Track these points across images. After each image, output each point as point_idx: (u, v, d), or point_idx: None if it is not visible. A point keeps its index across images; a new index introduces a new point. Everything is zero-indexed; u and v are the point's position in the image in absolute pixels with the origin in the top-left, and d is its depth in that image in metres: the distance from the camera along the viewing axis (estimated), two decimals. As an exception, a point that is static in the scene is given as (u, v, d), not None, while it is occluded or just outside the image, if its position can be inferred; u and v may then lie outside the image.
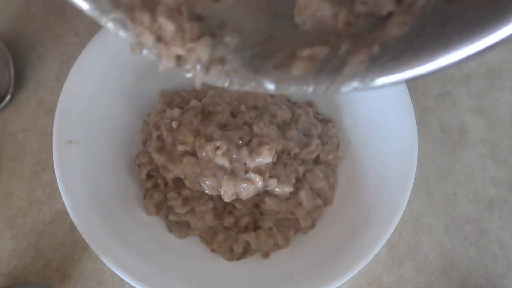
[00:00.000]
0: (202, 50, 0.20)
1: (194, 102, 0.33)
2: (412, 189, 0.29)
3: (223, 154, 0.28)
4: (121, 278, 0.26)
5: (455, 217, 0.36)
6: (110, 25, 0.20)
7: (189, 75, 0.21)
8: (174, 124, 0.31)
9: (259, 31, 0.22)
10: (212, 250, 0.32)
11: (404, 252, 0.35)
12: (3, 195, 0.35)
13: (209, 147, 0.29)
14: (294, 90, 0.20)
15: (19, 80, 0.38)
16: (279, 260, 0.31)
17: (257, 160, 0.29)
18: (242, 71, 0.21)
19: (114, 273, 0.26)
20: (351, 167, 0.34)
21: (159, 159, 0.31)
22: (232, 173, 0.29)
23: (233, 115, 0.33)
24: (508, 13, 0.14)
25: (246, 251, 0.32)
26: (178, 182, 0.32)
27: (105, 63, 0.32)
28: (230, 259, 0.31)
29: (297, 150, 0.32)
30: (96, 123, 0.32)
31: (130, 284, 0.26)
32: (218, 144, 0.28)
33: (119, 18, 0.20)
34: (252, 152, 0.29)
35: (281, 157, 0.31)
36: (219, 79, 0.21)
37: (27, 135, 0.37)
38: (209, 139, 0.30)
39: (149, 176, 0.33)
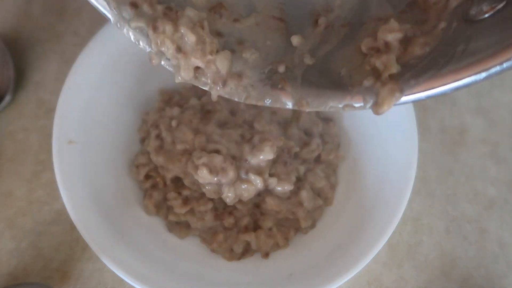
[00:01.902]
0: (221, 63, 0.20)
1: (193, 101, 0.33)
2: (412, 189, 0.29)
3: (209, 170, 0.28)
4: (121, 278, 0.26)
5: (455, 217, 0.36)
6: (131, 33, 0.20)
7: (205, 88, 0.21)
8: (173, 123, 0.31)
9: (278, 50, 0.23)
10: (212, 250, 0.32)
11: (404, 252, 0.35)
12: (3, 195, 0.35)
13: (199, 171, 0.28)
14: (315, 108, 0.20)
15: (19, 80, 0.38)
16: (279, 260, 0.31)
17: (259, 157, 0.29)
18: (260, 86, 0.21)
19: (114, 273, 0.26)
20: (351, 167, 0.34)
21: (157, 159, 0.31)
22: (229, 182, 0.29)
23: (233, 113, 0.33)
24: None
25: (246, 251, 0.32)
26: (178, 182, 0.32)
27: (105, 63, 0.32)
28: (230, 259, 0.31)
29: (297, 149, 0.32)
30: (96, 123, 0.32)
31: (130, 284, 0.26)
32: (202, 162, 0.28)
33: (141, 27, 0.20)
34: (254, 148, 0.29)
35: (281, 156, 0.31)
36: (236, 93, 0.21)
37: (27, 135, 0.37)
38: (209, 138, 0.30)
39: (147, 176, 0.33)
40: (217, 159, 0.28)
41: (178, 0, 0.22)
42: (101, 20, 0.41)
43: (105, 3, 0.20)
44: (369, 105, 0.19)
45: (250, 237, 0.31)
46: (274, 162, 0.30)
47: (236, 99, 0.21)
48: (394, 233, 0.28)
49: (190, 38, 0.20)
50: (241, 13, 0.24)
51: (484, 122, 0.40)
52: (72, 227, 0.34)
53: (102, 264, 0.33)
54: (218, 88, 0.21)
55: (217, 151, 0.29)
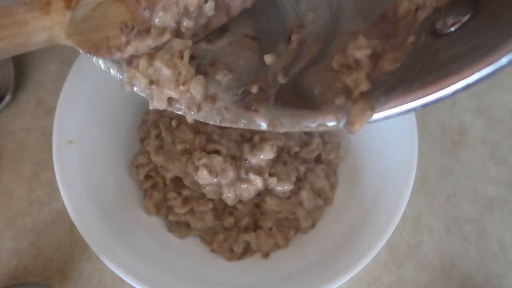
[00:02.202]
0: (196, 90, 0.20)
1: None
2: (412, 189, 0.29)
3: (209, 171, 0.28)
4: (121, 278, 0.26)
5: (455, 217, 0.36)
6: (101, 62, 0.21)
7: (180, 113, 0.21)
8: (174, 123, 0.31)
9: (251, 69, 0.23)
10: (212, 250, 0.32)
11: (404, 252, 0.35)
12: (3, 195, 0.35)
13: (199, 172, 0.28)
14: (288, 128, 0.20)
15: (19, 80, 0.38)
16: (279, 260, 0.31)
17: (259, 156, 0.29)
18: (234, 108, 0.21)
19: (114, 273, 0.26)
20: (351, 167, 0.34)
21: (157, 158, 0.31)
22: (229, 182, 0.29)
23: None
24: (496, 48, 0.14)
25: (246, 251, 0.32)
26: (178, 182, 0.32)
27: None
28: (230, 259, 0.31)
29: (297, 149, 0.32)
30: (96, 123, 0.32)
31: (130, 284, 0.26)
32: (202, 163, 0.28)
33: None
34: (254, 148, 0.29)
35: (281, 156, 0.31)
36: (211, 116, 0.21)
37: (27, 135, 0.37)
38: (209, 137, 0.30)
39: (147, 176, 0.33)
40: (217, 160, 0.28)
41: None
42: (101, 20, 0.41)
43: None
44: (342, 123, 0.18)
45: (250, 237, 0.31)
46: (274, 162, 0.30)
47: (211, 122, 0.21)
48: (394, 233, 0.28)
49: (165, 72, 0.20)
50: (214, 33, 0.24)
51: (484, 122, 0.40)
52: (72, 227, 0.34)
53: (102, 264, 0.33)
54: (193, 113, 0.21)
55: (217, 151, 0.29)
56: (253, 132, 0.31)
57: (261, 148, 0.29)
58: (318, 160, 0.34)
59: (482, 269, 0.35)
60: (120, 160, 0.33)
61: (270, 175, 0.30)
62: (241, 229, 0.32)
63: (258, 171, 0.29)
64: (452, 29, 0.17)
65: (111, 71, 0.21)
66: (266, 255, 0.31)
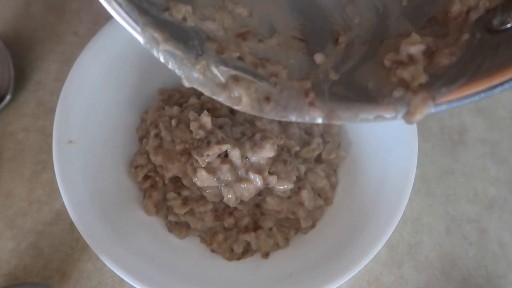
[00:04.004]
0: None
1: (193, 100, 0.33)
2: (412, 189, 0.29)
3: (208, 171, 0.28)
4: (121, 278, 0.26)
5: (455, 217, 0.36)
6: (161, 55, 0.21)
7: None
8: (173, 122, 0.31)
9: (302, 68, 0.23)
10: (212, 250, 0.32)
11: (404, 252, 0.35)
12: (3, 195, 0.35)
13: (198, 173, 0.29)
14: (345, 120, 0.20)
15: (19, 80, 0.38)
16: (279, 260, 0.31)
17: (260, 154, 0.29)
18: (290, 104, 0.21)
19: (114, 273, 0.26)
20: (351, 167, 0.34)
21: (156, 158, 0.31)
22: (228, 183, 0.29)
23: (233, 111, 0.33)
24: None
25: (246, 251, 0.32)
26: (177, 182, 0.32)
27: (105, 63, 0.32)
28: (230, 259, 0.31)
29: (297, 148, 0.32)
30: (96, 122, 0.32)
31: (130, 284, 0.26)
32: (203, 165, 0.28)
33: (170, 51, 0.21)
34: (255, 146, 0.29)
35: (281, 155, 0.31)
36: (270, 113, 0.21)
37: (27, 135, 0.37)
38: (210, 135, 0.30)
39: (146, 177, 0.33)
40: (216, 160, 0.29)
41: (210, 28, 0.23)
42: (101, 20, 0.42)
43: (135, 25, 0.20)
44: (400, 115, 0.19)
45: (250, 237, 0.31)
46: (274, 161, 0.30)
47: (271, 117, 0.22)
48: (394, 233, 0.28)
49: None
50: (263, 34, 0.24)
51: (484, 122, 0.40)
52: (72, 227, 0.34)
53: (102, 264, 0.33)
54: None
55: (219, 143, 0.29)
56: (254, 131, 0.31)
57: (262, 146, 0.29)
58: (318, 159, 0.34)
59: (482, 269, 0.35)
60: (121, 160, 0.33)
61: (270, 173, 0.30)
62: (241, 229, 0.32)
63: (258, 170, 0.29)
64: (509, 25, 0.18)
65: (169, 63, 0.21)
66: (266, 255, 0.31)
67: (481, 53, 0.18)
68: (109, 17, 0.33)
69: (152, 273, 0.28)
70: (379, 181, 0.31)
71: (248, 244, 0.31)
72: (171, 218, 0.32)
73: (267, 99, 0.21)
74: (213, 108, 0.32)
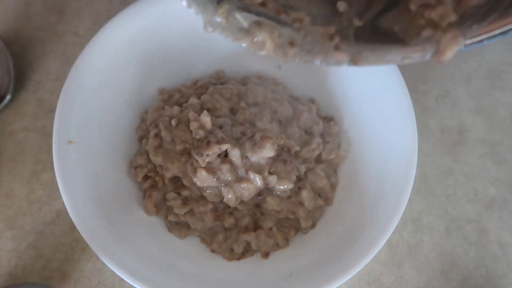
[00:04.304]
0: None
1: (193, 100, 0.33)
2: (412, 189, 0.29)
3: (208, 171, 0.28)
4: (121, 278, 0.26)
5: (455, 217, 0.36)
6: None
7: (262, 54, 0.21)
8: (173, 122, 0.31)
9: (325, 16, 0.23)
10: (212, 251, 0.32)
11: (404, 252, 0.35)
12: (3, 195, 0.35)
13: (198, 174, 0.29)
14: (372, 63, 0.20)
15: (19, 80, 0.38)
16: (279, 260, 0.31)
17: (260, 154, 0.29)
18: (314, 48, 0.21)
19: (114, 273, 0.26)
20: (351, 167, 0.34)
21: (156, 158, 0.31)
22: (228, 183, 0.29)
23: (233, 111, 0.33)
24: None
25: (246, 251, 0.32)
26: (177, 182, 0.32)
27: (105, 63, 0.32)
28: (230, 259, 0.31)
29: (297, 148, 0.32)
30: (96, 122, 0.32)
31: (130, 284, 0.26)
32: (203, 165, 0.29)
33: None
34: (255, 145, 0.29)
35: (281, 154, 0.31)
36: (300, 57, 0.21)
37: (27, 135, 0.37)
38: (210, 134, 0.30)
39: (146, 177, 0.33)
40: (216, 160, 0.29)
41: None
42: (101, 20, 0.42)
43: None
44: (429, 54, 0.18)
45: (250, 237, 0.31)
46: (274, 160, 0.30)
47: (295, 61, 0.21)
48: (394, 233, 0.28)
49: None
50: None
51: (484, 122, 0.40)
52: (72, 227, 0.34)
53: (102, 264, 0.33)
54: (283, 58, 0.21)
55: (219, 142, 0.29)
56: (254, 130, 0.31)
57: (262, 146, 0.29)
58: (318, 159, 0.34)
59: (482, 269, 0.35)
60: (121, 159, 0.33)
61: (270, 173, 0.30)
62: (241, 229, 0.32)
63: (258, 170, 0.29)
64: None
65: (193, 8, 0.21)
66: (266, 255, 0.31)
67: None
68: (109, 17, 0.33)
69: (152, 273, 0.28)
70: (379, 181, 0.31)
71: (248, 244, 0.31)
72: (171, 218, 0.32)
73: (291, 43, 0.21)
74: (213, 108, 0.32)
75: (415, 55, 0.19)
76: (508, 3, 0.17)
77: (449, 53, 0.17)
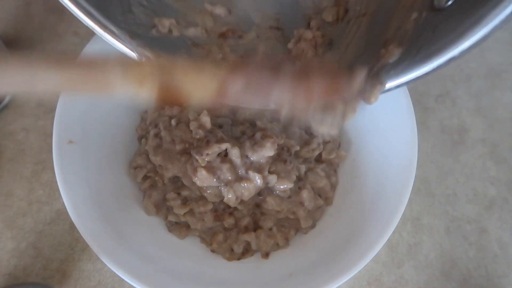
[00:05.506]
0: None
1: None
2: (412, 189, 0.29)
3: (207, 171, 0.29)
4: (121, 278, 0.26)
5: (455, 217, 0.36)
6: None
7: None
8: (173, 122, 0.31)
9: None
10: (212, 251, 0.32)
11: (404, 252, 0.35)
12: (3, 195, 0.35)
13: (199, 173, 0.29)
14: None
15: (19, 80, 0.38)
16: (279, 260, 0.31)
17: (260, 153, 0.29)
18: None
19: (114, 273, 0.26)
20: (351, 167, 0.34)
21: (156, 158, 0.31)
22: (228, 182, 0.29)
23: (233, 110, 0.33)
24: (483, 18, 0.17)
25: (246, 251, 0.32)
26: (177, 182, 0.32)
27: (105, 63, 0.32)
28: (230, 259, 0.31)
29: (297, 148, 0.32)
30: (96, 123, 0.32)
31: (130, 284, 0.26)
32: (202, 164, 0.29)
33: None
34: (255, 144, 0.29)
35: (281, 154, 0.31)
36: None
37: (27, 135, 0.37)
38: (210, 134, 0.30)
39: (145, 177, 0.33)
40: (216, 160, 0.28)
41: (194, 34, 0.26)
42: (101, 20, 0.41)
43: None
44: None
45: (250, 237, 0.31)
46: (274, 160, 0.30)
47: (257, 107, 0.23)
48: (394, 233, 0.28)
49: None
50: (243, 29, 0.27)
51: (484, 122, 0.40)
52: (72, 227, 0.34)
53: (102, 264, 0.33)
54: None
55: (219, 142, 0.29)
56: (255, 130, 0.31)
57: (262, 145, 0.29)
58: (318, 159, 0.34)
59: (482, 269, 0.35)
60: (120, 159, 0.33)
61: (270, 173, 0.30)
62: (241, 229, 0.32)
63: (258, 169, 0.29)
64: (449, 3, 0.20)
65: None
66: (266, 255, 0.31)
67: (423, 35, 0.20)
68: (109, 17, 0.33)
69: (152, 273, 0.28)
70: (379, 181, 0.31)
71: (248, 244, 0.31)
72: (171, 218, 0.32)
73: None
74: (213, 108, 0.32)
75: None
76: (415, 52, 0.20)
77: (373, 99, 0.20)
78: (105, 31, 0.23)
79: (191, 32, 0.26)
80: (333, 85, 0.20)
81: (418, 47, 0.19)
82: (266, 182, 0.29)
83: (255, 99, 0.21)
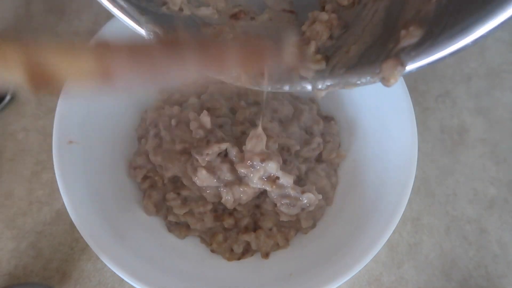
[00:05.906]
0: None
1: (192, 99, 0.33)
2: (412, 189, 0.29)
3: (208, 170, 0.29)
4: (121, 278, 0.26)
5: (455, 217, 0.36)
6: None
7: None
8: (173, 122, 0.31)
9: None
10: (212, 251, 0.32)
11: (404, 252, 0.35)
12: (3, 195, 0.35)
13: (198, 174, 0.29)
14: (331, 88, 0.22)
15: (19, 80, 0.38)
16: (279, 260, 0.31)
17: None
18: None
19: (114, 273, 0.26)
20: (352, 167, 0.34)
21: (156, 158, 0.31)
22: (228, 183, 0.29)
23: (234, 111, 0.33)
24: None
25: (246, 251, 0.32)
26: (177, 182, 0.32)
27: (105, 63, 0.32)
28: (230, 259, 0.31)
29: (298, 148, 0.32)
30: (96, 122, 0.32)
31: (130, 284, 0.26)
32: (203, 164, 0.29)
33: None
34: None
35: (281, 154, 0.31)
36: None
37: (27, 135, 0.37)
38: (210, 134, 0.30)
39: (145, 177, 0.33)
40: (216, 159, 0.28)
41: (205, 14, 0.25)
42: (101, 20, 0.41)
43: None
44: (376, 79, 0.21)
45: (250, 237, 0.31)
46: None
47: (268, 90, 0.23)
48: (394, 233, 0.28)
49: None
50: (255, 11, 0.26)
51: (484, 122, 0.40)
52: (72, 227, 0.34)
53: (102, 264, 0.33)
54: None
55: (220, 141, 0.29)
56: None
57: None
58: (319, 159, 0.34)
59: (482, 269, 0.35)
60: (120, 159, 0.33)
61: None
62: (241, 230, 0.32)
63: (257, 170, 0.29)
64: None
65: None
66: (266, 255, 0.31)
67: (445, 15, 0.19)
68: (109, 17, 0.33)
69: (152, 273, 0.28)
70: (379, 181, 0.31)
71: (248, 244, 0.31)
72: (171, 218, 0.32)
73: (262, 74, 0.23)
74: (213, 108, 0.32)
75: (365, 79, 0.21)
76: (437, 32, 0.19)
77: (393, 80, 0.20)
78: (114, 5, 0.22)
79: (202, 11, 0.25)
80: (253, 52, 0.20)
81: (441, 27, 0.19)
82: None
83: (154, 78, 0.20)
